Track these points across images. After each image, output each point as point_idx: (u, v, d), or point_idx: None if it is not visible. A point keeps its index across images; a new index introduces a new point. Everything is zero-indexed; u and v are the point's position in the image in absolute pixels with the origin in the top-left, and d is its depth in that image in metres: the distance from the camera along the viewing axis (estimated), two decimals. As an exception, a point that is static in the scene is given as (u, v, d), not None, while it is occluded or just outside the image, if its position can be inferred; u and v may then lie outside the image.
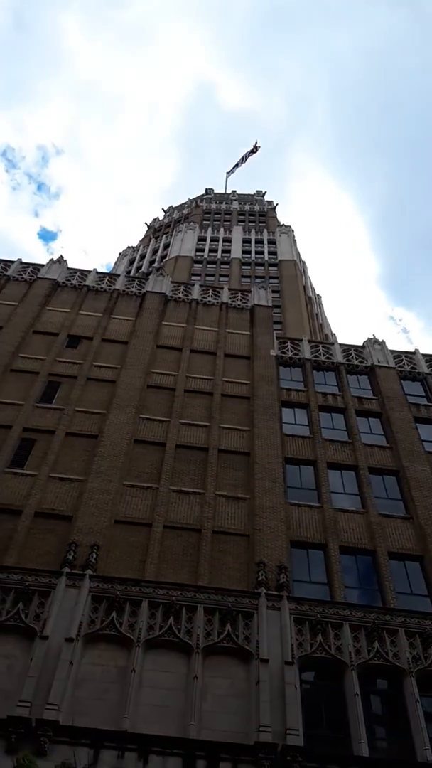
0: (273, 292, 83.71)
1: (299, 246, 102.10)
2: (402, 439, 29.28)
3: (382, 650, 19.56)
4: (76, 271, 41.16)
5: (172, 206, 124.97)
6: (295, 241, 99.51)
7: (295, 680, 18.34)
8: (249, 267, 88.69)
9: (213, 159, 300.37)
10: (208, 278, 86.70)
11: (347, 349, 37.07)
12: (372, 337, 37.56)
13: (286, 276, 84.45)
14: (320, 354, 35.97)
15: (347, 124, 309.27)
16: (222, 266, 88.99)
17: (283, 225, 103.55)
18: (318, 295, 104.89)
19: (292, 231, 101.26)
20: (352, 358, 36.03)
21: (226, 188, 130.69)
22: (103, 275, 41.37)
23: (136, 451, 26.89)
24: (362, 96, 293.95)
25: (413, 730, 17.80)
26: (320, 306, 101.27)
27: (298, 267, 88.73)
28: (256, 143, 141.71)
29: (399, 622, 20.50)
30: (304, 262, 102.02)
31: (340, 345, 37.35)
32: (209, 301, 39.82)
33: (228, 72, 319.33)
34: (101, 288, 39.49)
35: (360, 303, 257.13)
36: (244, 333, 36.88)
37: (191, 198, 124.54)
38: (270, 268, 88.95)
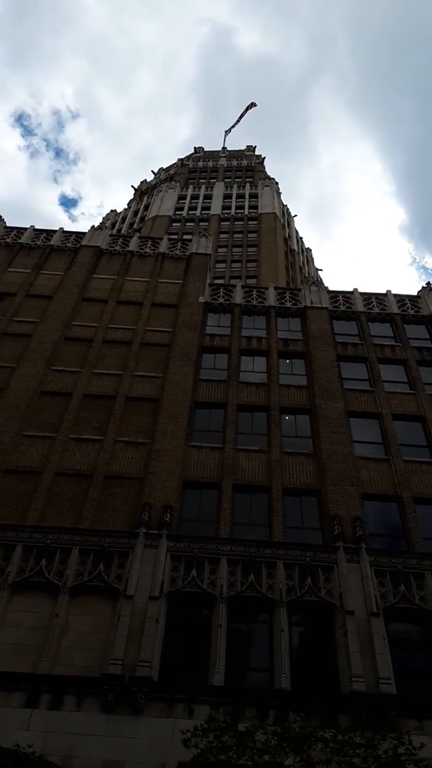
0: (250, 246, 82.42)
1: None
2: (320, 377, 28.65)
3: (256, 582, 19.35)
4: (12, 229, 40.57)
5: (162, 167, 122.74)
6: (278, 193, 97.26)
7: (159, 614, 18.26)
8: (228, 223, 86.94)
9: (233, 109, 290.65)
10: (185, 236, 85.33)
11: (282, 292, 36.24)
12: (310, 278, 36.63)
13: (265, 229, 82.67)
14: (252, 299, 35.18)
15: (371, 63, 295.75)
16: (201, 223, 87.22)
17: (267, 178, 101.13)
18: (307, 248, 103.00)
19: (276, 183, 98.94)
20: (286, 301, 35.21)
21: (224, 145, 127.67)
22: (41, 232, 40.72)
23: (42, 402, 26.69)
24: (386, 31, 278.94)
25: (275, 659, 17.64)
26: (309, 259, 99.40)
27: (278, 220, 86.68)
28: (252, 103, 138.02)
29: (279, 554, 20.22)
30: (291, 215, 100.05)
31: (275, 288, 36.52)
32: (146, 252, 39.06)
33: (244, 15, 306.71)
34: (35, 245, 38.93)
35: (385, 252, 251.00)
36: (177, 282, 36.15)
37: (180, 158, 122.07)
38: (249, 222, 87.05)
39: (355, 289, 36.25)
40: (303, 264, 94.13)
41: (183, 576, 19.55)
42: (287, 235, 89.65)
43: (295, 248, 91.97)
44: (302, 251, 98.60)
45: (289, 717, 15.85)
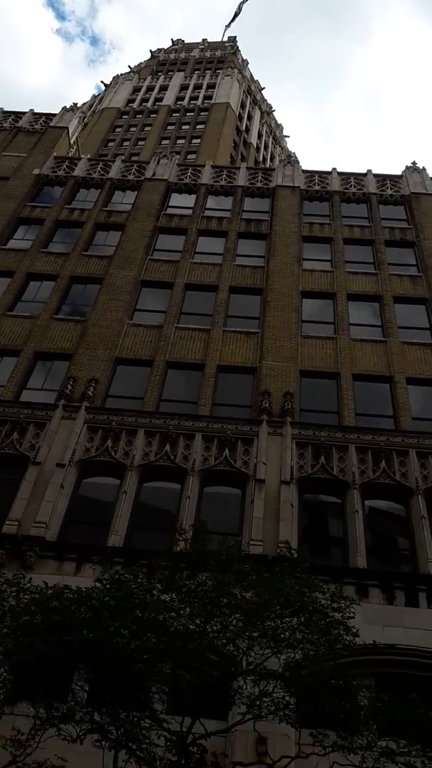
0: (195, 138, 78.34)
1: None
2: (125, 247, 27.66)
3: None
4: None
5: (142, 62, 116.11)
6: (242, 79, 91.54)
7: None
8: (178, 114, 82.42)
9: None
10: (131, 129, 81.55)
11: (129, 166, 34.34)
12: (157, 152, 34.66)
13: (212, 119, 78.36)
14: (95, 172, 33.40)
15: None
16: (150, 116, 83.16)
17: (230, 68, 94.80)
18: (274, 143, 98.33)
19: (238, 72, 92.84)
20: (130, 174, 33.37)
21: (223, 38, 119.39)
22: None
23: None
24: None
25: None
26: (275, 155, 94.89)
27: (230, 110, 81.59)
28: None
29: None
30: (261, 105, 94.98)
31: (123, 162, 34.68)
32: (3, 127, 37.09)
33: None
34: None
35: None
36: (20, 155, 34.40)
37: (152, 50, 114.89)
38: (201, 113, 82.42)
39: (207, 163, 34.31)
40: (264, 159, 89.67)
41: None
42: (243, 128, 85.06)
43: (253, 142, 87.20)
44: (269, 144, 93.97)
45: None
